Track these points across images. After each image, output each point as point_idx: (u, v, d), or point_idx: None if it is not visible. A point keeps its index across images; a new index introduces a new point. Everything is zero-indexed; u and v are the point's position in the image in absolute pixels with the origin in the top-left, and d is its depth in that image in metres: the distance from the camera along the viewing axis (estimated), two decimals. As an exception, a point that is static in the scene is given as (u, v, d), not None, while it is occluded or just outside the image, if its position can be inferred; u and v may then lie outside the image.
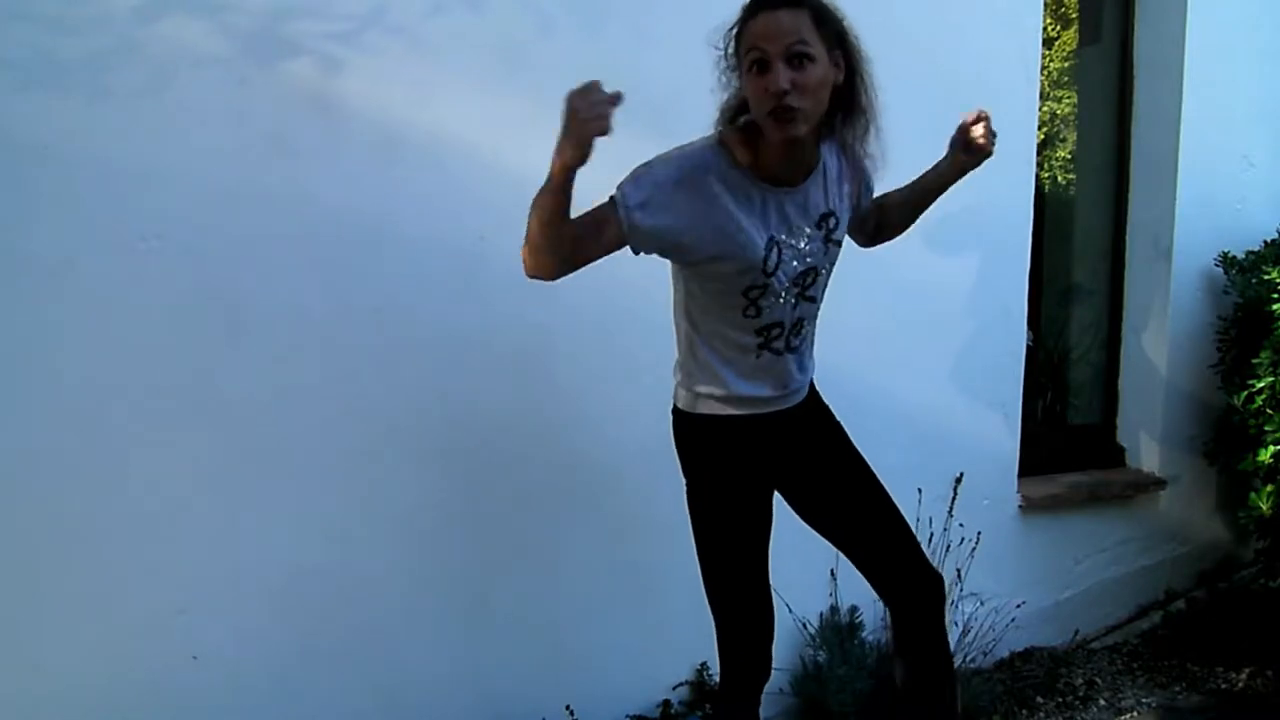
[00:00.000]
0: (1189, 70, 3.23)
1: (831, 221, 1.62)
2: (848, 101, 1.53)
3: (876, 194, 1.83)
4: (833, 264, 1.67)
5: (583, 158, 1.36)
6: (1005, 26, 2.83)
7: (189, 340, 1.73)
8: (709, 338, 1.63)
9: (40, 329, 1.61)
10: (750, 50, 1.44)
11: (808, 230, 1.59)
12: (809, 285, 1.62)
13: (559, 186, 1.39)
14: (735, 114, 1.56)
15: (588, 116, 1.33)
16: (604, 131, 1.34)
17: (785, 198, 1.56)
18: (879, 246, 1.94)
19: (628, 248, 1.50)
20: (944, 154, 1.76)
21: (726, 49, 1.52)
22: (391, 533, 1.95)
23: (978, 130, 1.69)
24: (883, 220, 1.87)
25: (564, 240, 1.44)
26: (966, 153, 1.72)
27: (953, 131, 1.74)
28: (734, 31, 1.50)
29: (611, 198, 1.47)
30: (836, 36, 1.48)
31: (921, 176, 1.82)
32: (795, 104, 1.42)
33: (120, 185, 1.65)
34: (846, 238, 1.73)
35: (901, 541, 1.73)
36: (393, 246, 1.91)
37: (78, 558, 1.65)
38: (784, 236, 1.56)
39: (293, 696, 1.86)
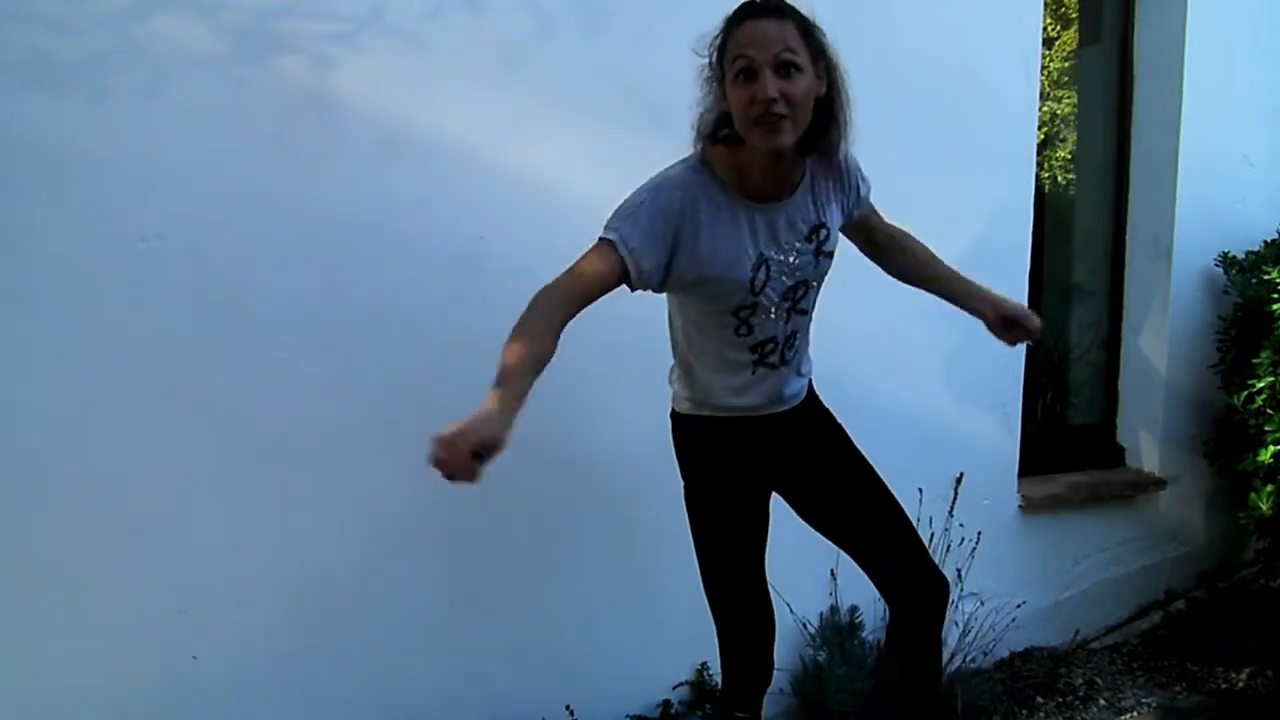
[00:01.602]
0: (1189, 70, 3.23)
1: (823, 233, 1.60)
2: (828, 115, 1.51)
3: (875, 205, 1.82)
4: (824, 276, 1.65)
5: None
6: (1005, 26, 2.82)
7: (189, 340, 1.73)
8: (703, 356, 1.62)
9: (40, 329, 1.61)
10: (737, 59, 1.42)
11: (798, 245, 1.57)
12: (800, 299, 1.61)
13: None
14: (715, 127, 1.52)
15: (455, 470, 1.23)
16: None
17: (772, 213, 1.54)
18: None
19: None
20: (990, 296, 1.77)
21: (710, 58, 1.49)
22: (391, 532, 1.95)
23: (1023, 335, 1.74)
24: (890, 258, 1.86)
25: (552, 330, 1.39)
26: (1004, 329, 1.75)
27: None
28: (718, 41, 1.48)
29: (607, 242, 1.45)
30: (820, 49, 1.47)
31: (957, 280, 1.82)
32: (782, 112, 1.40)
33: (120, 185, 1.65)
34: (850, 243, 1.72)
35: (905, 542, 1.72)
36: (392, 246, 1.91)
37: (77, 557, 1.65)
38: (773, 253, 1.54)
39: (293, 696, 1.86)
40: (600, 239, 1.46)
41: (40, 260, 1.60)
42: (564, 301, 1.41)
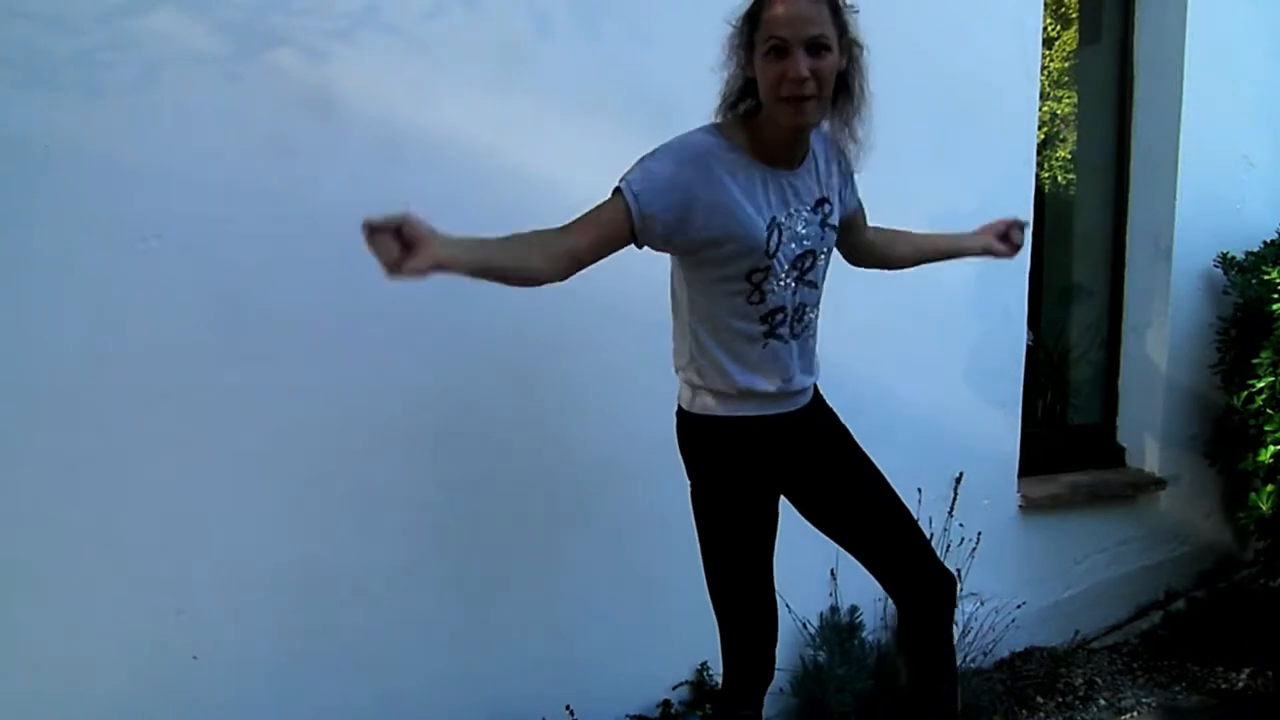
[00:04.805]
0: (1189, 70, 3.23)
1: (826, 207, 1.65)
2: (845, 87, 1.57)
3: (864, 205, 1.83)
4: (830, 250, 1.68)
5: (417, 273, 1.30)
6: (1005, 26, 2.83)
7: (188, 340, 1.73)
8: (715, 330, 1.62)
9: (40, 329, 1.60)
10: (770, 37, 1.46)
11: (805, 214, 1.61)
12: (808, 269, 1.63)
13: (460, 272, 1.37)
14: (739, 96, 1.58)
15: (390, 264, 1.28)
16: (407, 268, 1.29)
17: (783, 180, 1.59)
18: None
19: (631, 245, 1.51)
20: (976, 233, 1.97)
21: (740, 27, 1.54)
22: (391, 532, 1.95)
23: (1018, 234, 1.96)
24: (868, 248, 1.90)
25: (541, 263, 1.43)
26: (1002, 243, 1.97)
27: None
28: (749, 12, 1.52)
29: (617, 190, 1.48)
30: (845, 26, 1.52)
31: (936, 236, 1.94)
32: (811, 91, 1.46)
33: (120, 185, 1.65)
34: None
35: (912, 541, 1.73)
36: (392, 246, 1.91)
37: (77, 557, 1.65)
38: (783, 218, 1.58)
39: (292, 697, 1.86)
40: (614, 190, 1.49)
41: (39, 259, 1.59)
42: (563, 233, 1.46)
